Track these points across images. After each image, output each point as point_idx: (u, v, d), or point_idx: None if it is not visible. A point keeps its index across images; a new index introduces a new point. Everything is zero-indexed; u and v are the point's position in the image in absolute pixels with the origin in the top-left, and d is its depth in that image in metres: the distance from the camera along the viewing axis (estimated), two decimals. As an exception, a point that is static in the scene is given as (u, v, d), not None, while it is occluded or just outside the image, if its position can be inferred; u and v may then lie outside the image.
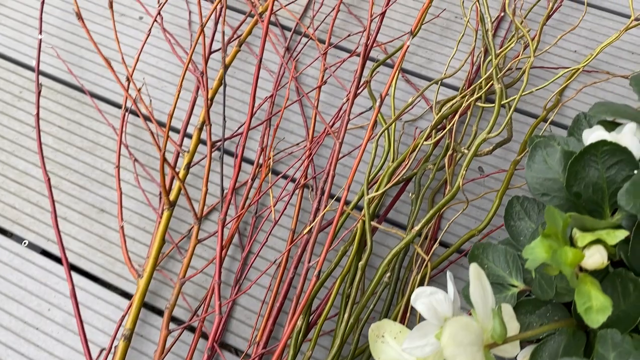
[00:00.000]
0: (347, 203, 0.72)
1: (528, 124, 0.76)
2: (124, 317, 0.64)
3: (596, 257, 0.36)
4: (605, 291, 0.37)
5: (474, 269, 0.38)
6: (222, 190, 0.61)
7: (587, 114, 0.47)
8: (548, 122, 0.74)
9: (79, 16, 0.58)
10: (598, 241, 0.36)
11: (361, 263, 0.56)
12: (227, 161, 0.74)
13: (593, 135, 0.40)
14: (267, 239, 0.66)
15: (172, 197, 0.64)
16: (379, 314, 0.65)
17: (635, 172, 0.38)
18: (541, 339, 0.43)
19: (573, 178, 0.39)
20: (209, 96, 0.67)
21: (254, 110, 0.65)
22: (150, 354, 0.64)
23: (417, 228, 0.56)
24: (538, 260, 0.34)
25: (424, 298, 0.43)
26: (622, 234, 0.34)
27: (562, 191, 0.40)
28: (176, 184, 0.65)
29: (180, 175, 0.65)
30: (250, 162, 0.75)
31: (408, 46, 0.50)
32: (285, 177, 0.73)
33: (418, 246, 0.59)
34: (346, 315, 0.54)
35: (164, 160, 0.58)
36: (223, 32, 0.65)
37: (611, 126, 0.41)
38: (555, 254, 0.33)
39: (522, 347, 0.44)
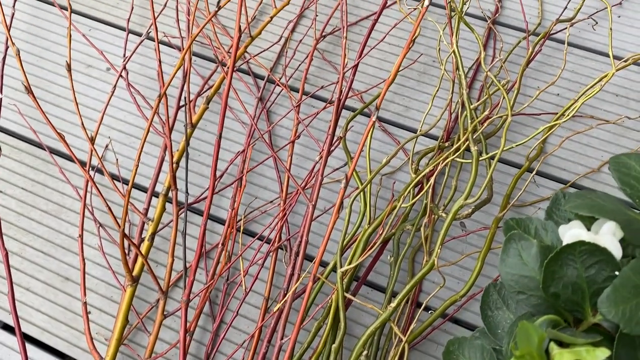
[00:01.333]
0: (322, 264, 0.69)
1: (511, 175, 0.73)
2: (88, 399, 0.61)
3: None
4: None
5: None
6: (185, 265, 0.58)
7: (565, 193, 0.44)
8: (533, 173, 0.71)
9: (29, 90, 0.55)
10: None
11: (334, 346, 0.53)
12: (197, 221, 0.71)
13: (570, 233, 0.37)
14: (239, 307, 0.62)
15: (135, 272, 0.60)
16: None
17: (617, 273, 0.35)
18: None
19: (550, 278, 0.36)
20: (175, 159, 0.64)
21: (224, 171, 0.61)
22: None
23: (393, 305, 0.53)
24: (512, 388, 0.30)
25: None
26: (603, 354, 0.31)
27: (539, 290, 0.37)
28: (139, 260, 0.62)
29: (145, 246, 0.62)
30: (222, 222, 0.71)
31: (382, 98, 0.47)
32: (260, 238, 0.70)
33: (397, 316, 0.56)
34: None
35: (124, 235, 0.55)
36: (189, 91, 0.61)
37: (590, 219, 0.38)
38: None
39: None
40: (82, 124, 0.63)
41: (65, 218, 0.73)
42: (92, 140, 0.64)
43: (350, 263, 0.60)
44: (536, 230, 0.41)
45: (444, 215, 0.59)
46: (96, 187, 0.57)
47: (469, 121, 0.57)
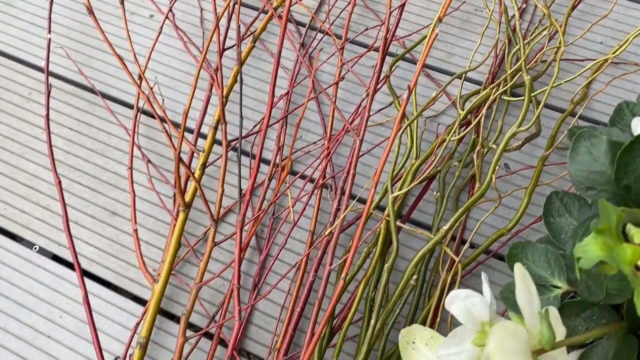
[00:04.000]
0: (364, 202, 0.70)
1: (554, 119, 0.73)
2: (138, 323, 0.62)
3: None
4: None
5: (518, 270, 0.35)
6: (240, 190, 0.58)
7: (629, 103, 0.44)
8: (577, 117, 0.71)
9: (90, 10, 0.55)
10: (655, 237, 0.33)
11: (387, 265, 0.53)
12: (243, 162, 0.72)
13: (644, 123, 0.37)
14: (285, 240, 0.63)
15: (187, 198, 0.61)
16: (404, 318, 0.62)
17: (691, 162, 0.35)
18: (588, 344, 0.40)
19: (622, 170, 0.37)
20: (224, 94, 0.65)
21: (273, 105, 0.62)
22: (166, 362, 0.62)
23: (446, 227, 0.54)
24: (592, 259, 0.31)
25: (459, 302, 0.41)
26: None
27: (610, 184, 0.37)
28: (191, 185, 0.63)
29: (196, 175, 0.62)
30: (267, 163, 0.72)
31: (437, 34, 0.47)
32: (303, 177, 0.71)
33: (444, 249, 0.56)
34: (372, 320, 0.52)
35: (179, 160, 0.56)
36: (238, 26, 0.62)
37: (661, 114, 0.38)
38: (612, 251, 0.30)
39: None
40: (135, 56, 0.64)
41: (111, 156, 0.74)
42: (140, 78, 0.65)
43: (398, 197, 0.60)
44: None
45: (494, 146, 0.60)
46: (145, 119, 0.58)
47: (522, 50, 0.57)
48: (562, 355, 0.37)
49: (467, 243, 0.60)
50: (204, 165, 0.63)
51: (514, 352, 0.32)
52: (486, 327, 0.41)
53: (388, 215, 0.58)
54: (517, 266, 0.35)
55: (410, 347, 0.46)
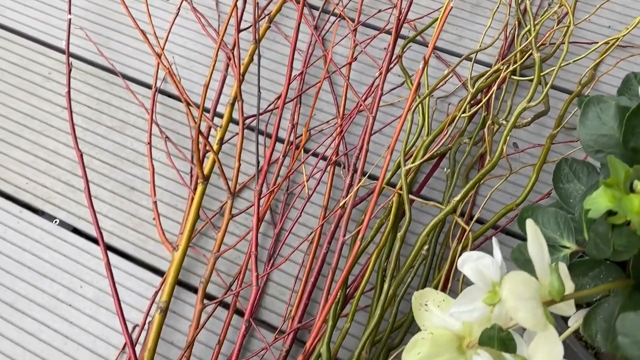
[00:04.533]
0: (374, 178, 0.72)
1: (562, 100, 0.75)
2: (157, 292, 0.64)
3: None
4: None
5: (530, 225, 0.37)
6: (258, 162, 0.60)
7: (637, 74, 0.45)
8: (588, 93, 0.72)
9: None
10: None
11: (400, 233, 0.55)
12: (253, 138, 0.74)
13: (651, 87, 0.39)
14: (300, 214, 0.65)
15: (205, 171, 0.63)
16: (414, 289, 0.64)
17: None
18: (594, 301, 0.41)
19: (630, 133, 0.38)
20: (241, 71, 0.67)
21: (290, 81, 0.64)
22: (184, 330, 0.63)
23: (457, 198, 0.56)
24: (601, 209, 0.33)
25: (471, 262, 0.42)
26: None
27: (618, 147, 0.39)
28: (209, 160, 0.65)
29: (211, 157, 0.64)
30: (281, 141, 0.74)
31: (451, 8, 0.49)
32: (316, 155, 0.73)
33: (456, 219, 0.58)
34: (386, 286, 0.54)
35: (199, 132, 0.58)
36: (256, 4, 0.64)
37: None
38: (621, 201, 0.32)
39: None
40: (155, 32, 0.66)
41: (130, 133, 0.76)
42: (159, 55, 0.67)
43: (410, 169, 0.62)
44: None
45: (504, 122, 0.61)
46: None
47: (532, 29, 0.59)
48: (570, 307, 0.39)
49: (475, 216, 0.62)
50: (221, 141, 0.65)
51: (526, 299, 0.34)
52: (497, 288, 0.43)
53: (400, 189, 0.60)
54: (529, 221, 0.37)
55: (422, 309, 0.47)
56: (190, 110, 0.63)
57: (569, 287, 0.40)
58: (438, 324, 0.47)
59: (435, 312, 0.48)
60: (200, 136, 0.58)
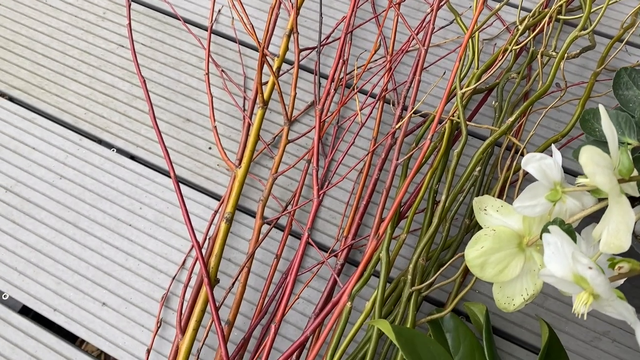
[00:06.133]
0: (426, 115, 0.74)
1: (603, 44, 0.77)
2: (216, 212, 0.67)
3: None
4: None
5: (602, 108, 0.39)
6: (319, 83, 0.63)
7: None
8: (624, 41, 0.74)
9: None
10: None
11: (457, 150, 0.58)
12: (307, 77, 0.76)
13: None
14: (353, 141, 0.67)
15: (265, 96, 0.66)
16: (462, 217, 0.67)
17: None
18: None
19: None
20: (298, 4, 0.69)
21: (330, 32, 0.66)
22: (242, 249, 0.66)
23: (511, 119, 0.58)
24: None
25: (534, 162, 0.45)
26: None
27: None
28: (267, 87, 0.67)
29: (271, 78, 0.67)
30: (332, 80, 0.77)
31: None
32: (364, 92, 0.75)
33: (509, 137, 0.61)
34: (443, 196, 0.56)
35: (263, 55, 0.60)
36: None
37: None
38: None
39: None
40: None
41: (183, 70, 0.78)
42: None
43: (465, 94, 0.65)
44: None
45: (554, 54, 0.64)
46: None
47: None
48: (634, 190, 0.41)
49: (519, 152, 0.64)
50: (278, 70, 0.68)
51: (602, 166, 0.36)
52: (557, 187, 0.46)
53: (453, 115, 0.63)
54: (601, 106, 0.39)
55: (482, 213, 0.50)
56: (241, 54, 0.66)
57: (634, 172, 0.42)
58: (497, 224, 0.50)
59: (494, 215, 0.50)
60: (263, 59, 0.60)
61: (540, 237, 0.44)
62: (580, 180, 0.42)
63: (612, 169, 0.38)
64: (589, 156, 0.36)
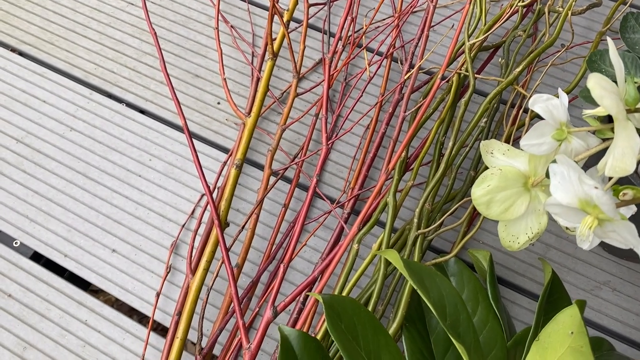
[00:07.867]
0: (429, 73, 0.75)
1: (608, 7, 0.78)
2: (224, 164, 0.68)
3: None
4: None
5: (610, 41, 0.40)
6: (329, 33, 0.64)
7: None
8: (628, 4, 0.75)
9: None
10: None
11: (464, 99, 0.59)
12: (315, 36, 0.77)
13: None
14: (361, 95, 0.68)
15: (275, 47, 0.66)
16: (466, 170, 0.68)
17: None
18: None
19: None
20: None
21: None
22: (250, 200, 0.67)
23: (518, 69, 0.59)
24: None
25: (541, 102, 0.46)
26: None
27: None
28: (277, 39, 0.68)
29: (280, 31, 0.68)
30: (340, 38, 0.77)
31: None
32: (370, 50, 0.76)
33: (517, 88, 0.62)
34: (450, 143, 0.57)
35: (274, 4, 0.61)
36: None
37: None
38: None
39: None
40: None
41: (192, 27, 0.79)
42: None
43: (474, 45, 0.66)
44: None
45: (560, 9, 0.65)
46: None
47: None
48: (639, 122, 0.42)
49: (522, 108, 0.65)
50: (288, 22, 0.68)
51: (609, 91, 0.37)
52: (563, 127, 0.46)
53: (460, 68, 0.63)
54: (609, 39, 0.40)
55: (489, 156, 0.51)
56: (250, 9, 0.66)
57: (640, 106, 0.43)
58: (503, 165, 0.51)
59: (501, 158, 0.51)
60: (273, 8, 0.61)
61: (547, 176, 0.46)
62: (586, 111, 0.43)
63: (619, 95, 0.39)
64: (597, 81, 0.37)
